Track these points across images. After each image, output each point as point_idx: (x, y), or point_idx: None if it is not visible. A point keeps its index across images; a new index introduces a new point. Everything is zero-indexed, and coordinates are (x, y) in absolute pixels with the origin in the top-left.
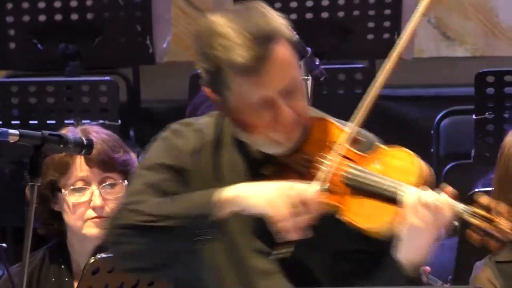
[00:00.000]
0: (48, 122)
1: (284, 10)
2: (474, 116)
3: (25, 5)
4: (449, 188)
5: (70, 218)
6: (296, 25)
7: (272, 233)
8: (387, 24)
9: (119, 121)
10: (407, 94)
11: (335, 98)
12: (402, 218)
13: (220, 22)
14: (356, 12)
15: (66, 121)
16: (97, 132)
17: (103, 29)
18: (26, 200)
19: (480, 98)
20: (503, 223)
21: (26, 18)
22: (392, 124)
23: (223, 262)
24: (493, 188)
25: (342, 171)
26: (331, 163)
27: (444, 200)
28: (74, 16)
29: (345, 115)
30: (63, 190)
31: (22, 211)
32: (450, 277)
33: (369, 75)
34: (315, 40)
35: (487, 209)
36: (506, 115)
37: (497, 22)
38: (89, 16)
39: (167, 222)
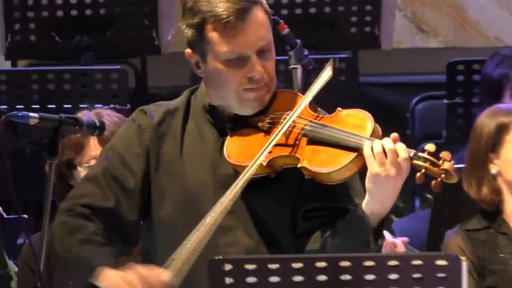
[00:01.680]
0: (65, 106)
1: (276, 6)
2: (445, 101)
3: (44, 1)
4: (395, 135)
5: None
6: (287, 19)
7: None
8: (368, 18)
9: (128, 106)
10: (386, 81)
11: None
12: (364, 166)
13: None
14: (340, 8)
15: (81, 106)
16: (109, 115)
17: (114, 23)
18: (45, 176)
19: (451, 84)
20: (445, 165)
21: (45, 13)
22: (372, 108)
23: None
24: (465, 165)
25: (301, 125)
26: (291, 119)
27: (396, 145)
28: (88, 12)
29: (330, 99)
30: (78, 168)
31: (42, 187)
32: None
33: (352, 64)
34: (304, 33)
35: (433, 154)
36: (474, 100)
37: (466, 17)
38: (102, 11)
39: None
